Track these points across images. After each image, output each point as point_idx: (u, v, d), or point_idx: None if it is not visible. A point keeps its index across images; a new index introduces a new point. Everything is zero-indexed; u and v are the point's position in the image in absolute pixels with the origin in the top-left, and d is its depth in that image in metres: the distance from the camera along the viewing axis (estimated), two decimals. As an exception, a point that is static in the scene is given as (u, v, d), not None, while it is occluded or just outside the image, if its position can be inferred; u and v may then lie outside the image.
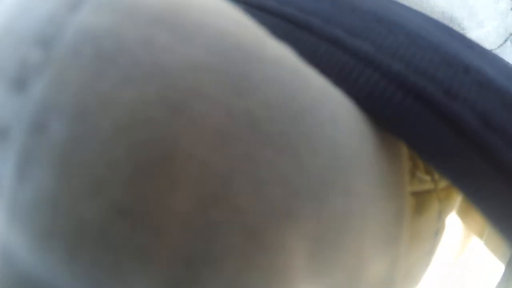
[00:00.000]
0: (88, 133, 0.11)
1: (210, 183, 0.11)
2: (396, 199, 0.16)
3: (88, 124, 0.11)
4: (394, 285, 0.17)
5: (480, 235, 0.25)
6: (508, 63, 0.21)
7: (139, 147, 0.11)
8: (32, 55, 0.12)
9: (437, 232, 0.22)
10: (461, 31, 0.36)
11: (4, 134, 0.11)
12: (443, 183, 0.23)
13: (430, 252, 0.22)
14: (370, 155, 0.15)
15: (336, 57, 0.16)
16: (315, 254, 0.13)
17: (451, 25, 0.36)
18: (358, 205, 0.14)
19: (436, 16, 0.36)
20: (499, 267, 0.24)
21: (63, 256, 0.11)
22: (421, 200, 0.20)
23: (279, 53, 0.14)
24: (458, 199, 0.23)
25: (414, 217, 0.19)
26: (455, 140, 0.16)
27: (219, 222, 0.12)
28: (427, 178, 0.22)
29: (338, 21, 0.18)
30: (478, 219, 0.25)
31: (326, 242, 0.13)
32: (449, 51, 0.17)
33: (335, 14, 0.18)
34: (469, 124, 0.16)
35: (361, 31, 0.18)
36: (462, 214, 0.25)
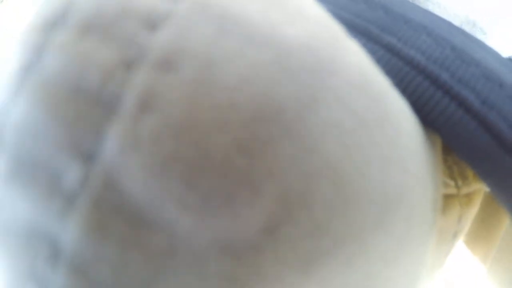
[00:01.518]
0: (214, 78, 0.13)
1: (309, 138, 0.13)
2: (435, 190, 0.18)
3: (215, 71, 0.13)
4: (419, 280, 0.18)
5: (484, 262, 0.27)
6: None
7: (259, 97, 0.13)
8: (161, 4, 0.13)
9: (455, 234, 0.23)
10: (483, 36, 0.38)
11: (130, 65, 0.13)
12: (465, 189, 0.24)
13: (447, 253, 0.23)
14: (423, 150, 0.17)
15: (392, 62, 0.18)
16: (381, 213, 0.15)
17: (473, 29, 0.37)
18: (412, 183, 0.16)
19: (459, 19, 0.37)
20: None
21: (180, 184, 0.12)
22: (445, 202, 0.23)
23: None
24: (476, 207, 0.24)
25: (438, 216, 0.20)
26: (490, 143, 0.19)
27: (314, 172, 0.13)
28: (451, 183, 0.23)
29: (393, 30, 0.20)
30: (484, 246, 0.27)
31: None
32: (487, 67, 0.20)
33: (390, 23, 0.20)
34: (503, 131, 0.19)
35: (414, 42, 0.20)
36: (469, 239, 0.27)
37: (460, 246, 0.26)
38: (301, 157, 0.13)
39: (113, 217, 0.12)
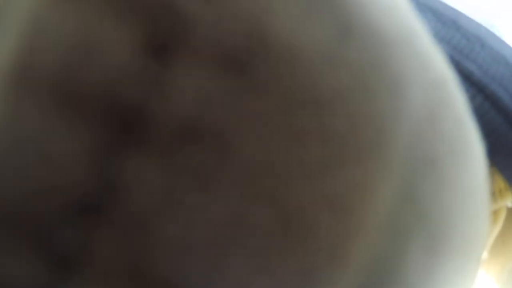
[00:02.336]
0: (297, 89, 0.09)
1: (407, 181, 0.11)
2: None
3: (300, 77, 0.09)
4: None
5: (498, 279, 0.26)
6: None
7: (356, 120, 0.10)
8: None
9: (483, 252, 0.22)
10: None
11: (161, 51, 0.09)
12: (492, 207, 0.23)
13: (476, 270, 0.23)
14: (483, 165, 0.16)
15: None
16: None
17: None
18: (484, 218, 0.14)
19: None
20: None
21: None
22: None
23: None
24: (500, 224, 0.24)
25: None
26: None
27: (408, 228, 0.11)
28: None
29: (445, 37, 0.19)
30: (501, 259, 0.26)
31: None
32: None
33: (441, 29, 0.19)
34: None
35: (468, 53, 0.19)
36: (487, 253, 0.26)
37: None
38: (398, 207, 0.11)
39: None
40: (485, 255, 0.24)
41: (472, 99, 0.18)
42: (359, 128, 0.10)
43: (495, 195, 0.23)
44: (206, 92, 0.08)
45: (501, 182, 0.23)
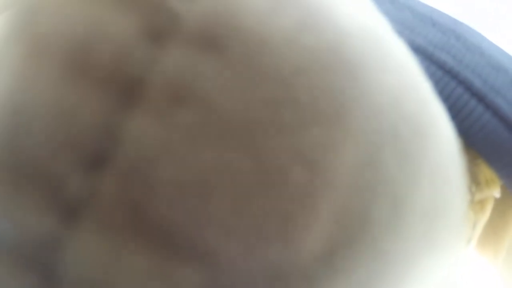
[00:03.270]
0: (268, 65, 0.11)
1: (368, 146, 0.12)
2: (465, 198, 0.18)
3: (269, 56, 0.11)
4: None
5: (494, 263, 0.27)
6: None
7: (317, 91, 0.11)
8: None
9: (469, 241, 0.23)
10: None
11: (157, 38, 0.11)
12: (478, 196, 0.24)
13: (461, 257, 0.24)
14: (459, 158, 0.17)
15: (424, 66, 0.18)
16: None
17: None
18: (453, 193, 0.15)
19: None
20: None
21: (225, 206, 0.11)
22: None
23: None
24: (488, 213, 0.24)
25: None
26: None
27: (372, 186, 0.12)
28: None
29: (422, 33, 0.20)
30: (493, 248, 0.27)
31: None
32: None
33: (418, 25, 0.21)
34: None
35: (443, 45, 0.20)
36: (478, 243, 0.27)
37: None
38: (360, 169, 0.12)
39: (133, 242, 0.11)
40: (473, 242, 0.24)
41: (445, 85, 0.19)
42: (319, 98, 0.11)
43: (480, 185, 0.24)
44: (193, 66, 0.10)
45: (487, 173, 0.23)
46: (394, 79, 0.13)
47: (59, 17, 0.11)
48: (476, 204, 0.24)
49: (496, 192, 0.25)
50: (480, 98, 0.19)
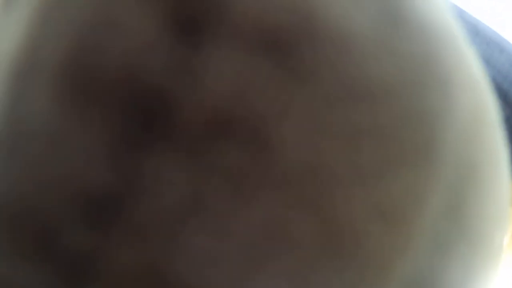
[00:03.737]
0: (346, 92, 0.08)
1: (451, 190, 0.09)
2: None
3: (351, 71, 0.08)
4: None
5: None
6: None
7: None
8: None
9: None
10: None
11: (189, 37, 0.07)
12: None
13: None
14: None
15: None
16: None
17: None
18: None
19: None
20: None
21: None
22: None
23: None
24: None
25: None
26: None
27: (450, 239, 0.10)
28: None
29: (492, 63, 0.18)
30: None
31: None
32: None
33: (491, 54, 0.19)
34: None
35: (488, 58, 0.18)
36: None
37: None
38: (441, 219, 0.09)
39: None
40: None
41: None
42: (411, 126, 0.08)
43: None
44: (244, 79, 0.07)
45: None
46: (474, 96, 0.10)
47: (64, 11, 0.07)
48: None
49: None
50: None
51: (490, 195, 0.11)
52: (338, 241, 0.08)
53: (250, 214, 0.07)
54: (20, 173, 0.08)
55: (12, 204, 0.08)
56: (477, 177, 0.10)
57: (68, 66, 0.07)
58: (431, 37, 0.09)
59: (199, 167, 0.07)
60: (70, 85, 0.07)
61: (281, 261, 0.08)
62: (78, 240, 0.08)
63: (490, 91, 0.12)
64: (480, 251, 0.11)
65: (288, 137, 0.07)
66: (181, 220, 0.07)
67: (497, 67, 0.19)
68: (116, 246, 0.08)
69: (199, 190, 0.07)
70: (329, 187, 0.08)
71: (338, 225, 0.08)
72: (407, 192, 0.08)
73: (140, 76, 0.07)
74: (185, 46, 0.07)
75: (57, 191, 0.07)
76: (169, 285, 0.08)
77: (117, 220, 0.08)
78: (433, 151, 0.09)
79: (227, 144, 0.07)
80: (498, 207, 0.12)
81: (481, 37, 0.20)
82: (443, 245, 0.09)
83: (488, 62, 0.18)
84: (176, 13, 0.07)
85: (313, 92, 0.07)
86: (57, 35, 0.07)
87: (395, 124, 0.08)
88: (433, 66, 0.09)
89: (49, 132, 0.07)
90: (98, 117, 0.07)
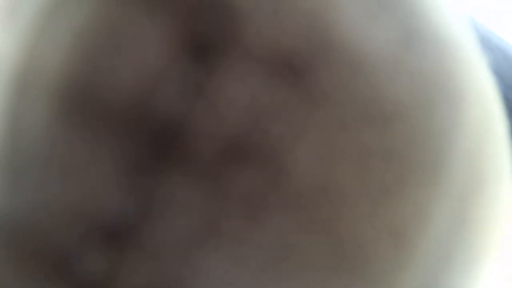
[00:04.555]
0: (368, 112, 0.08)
1: (458, 201, 0.09)
2: None
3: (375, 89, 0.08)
4: None
5: None
6: None
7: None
8: None
9: None
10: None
11: (201, 52, 0.07)
12: None
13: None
14: None
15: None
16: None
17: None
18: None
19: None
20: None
21: None
22: None
23: None
24: None
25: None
26: None
27: (454, 252, 0.10)
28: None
29: (496, 71, 0.18)
30: None
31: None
32: None
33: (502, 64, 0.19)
34: None
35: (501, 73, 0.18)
36: None
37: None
38: (447, 235, 0.09)
39: None
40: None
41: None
42: (420, 147, 0.09)
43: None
44: (258, 104, 0.07)
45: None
46: (483, 108, 0.10)
47: (66, 27, 0.07)
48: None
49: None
50: None
51: (493, 205, 0.11)
52: (348, 261, 0.08)
53: (263, 238, 0.07)
54: (28, 198, 0.07)
55: (24, 229, 0.07)
56: (482, 190, 0.10)
57: (73, 84, 0.07)
58: (445, 54, 0.09)
59: (213, 192, 0.07)
60: (77, 105, 0.07)
61: (293, 282, 0.08)
62: (93, 266, 0.07)
63: (498, 101, 0.12)
64: (479, 259, 0.11)
65: (301, 161, 0.07)
66: (195, 244, 0.07)
67: (501, 75, 0.19)
68: (131, 271, 0.07)
69: (213, 214, 0.07)
70: (339, 208, 0.08)
71: (349, 245, 0.08)
72: (415, 211, 0.08)
73: (153, 102, 0.07)
74: (199, 71, 0.07)
75: (71, 217, 0.07)
76: None
77: (131, 245, 0.07)
78: (441, 169, 0.09)
79: (241, 170, 0.07)
80: (498, 215, 0.12)
81: (485, 43, 0.20)
82: (447, 258, 0.09)
83: (494, 70, 0.18)
84: (189, 36, 0.07)
85: (327, 115, 0.07)
86: (60, 47, 0.07)
87: (405, 145, 0.08)
88: (445, 84, 0.09)
89: (57, 156, 0.07)
90: (111, 143, 0.07)
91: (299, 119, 0.07)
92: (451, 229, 0.10)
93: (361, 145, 0.08)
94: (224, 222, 0.07)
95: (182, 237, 0.07)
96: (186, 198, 0.07)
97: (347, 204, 0.08)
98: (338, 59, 0.07)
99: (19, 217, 0.07)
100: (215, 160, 0.07)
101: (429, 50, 0.09)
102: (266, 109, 0.07)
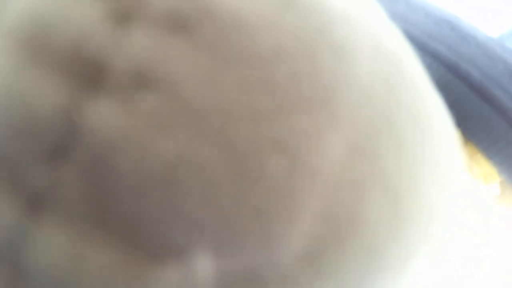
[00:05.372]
0: (241, 48, 0.10)
1: (359, 134, 0.11)
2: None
3: (243, 38, 0.10)
4: None
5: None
6: None
7: (298, 76, 0.10)
8: None
9: None
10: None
11: (121, 20, 0.10)
12: None
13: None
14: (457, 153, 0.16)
15: (419, 57, 0.17)
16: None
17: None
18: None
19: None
20: None
21: (194, 201, 0.10)
22: None
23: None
24: None
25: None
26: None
27: (366, 179, 0.11)
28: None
29: (415, 23, 0.19)
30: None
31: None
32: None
33: (411, 17, 0.20)
34: None
35: (437, 36, 0.20)
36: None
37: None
38: (350, 160, 0.11)
39: (97, 236, 0.10)
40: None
41: (441, 76, 0.19)
42: (301, 82, 0.10)
43: (479, 180, 0.23)
44: (159, 49, 0.10)
45: (486, 168, 0.23)
46: (387, 67, 0.12)
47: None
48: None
49: (495, 188, 0.25)
50: (478, 89, 0.19)
51: (416, 151, 0.12)
52: (239, 167, 0.10)
53: (166, 145, 0.10)
54: None
55: None
56: (394, 132, 0.11)
57: (23, 39, 0.10)
58: (325, 16, 0.11)
59: (127, 110, 0.10)
60: (27, 46, 0.10)
61: (192, 183, 0.10)
62: (37, 176, 0.10)
63: (414, 64, 0.13)
64: (404, 207, 0.12)
65: (194, 88, 0.10)
66: (114, 150, 0.10)
67: (446, 43, 0.20)
68: (65, 180, 0.10)
69: (130, 126, 0.10)
70: (227, 123, 0.10)
71: (238, 153, 0.10)
72: (300, 130, 0.10)
73: (85, 46, 0.10)
74: (118, 28, 0.10)
75: (20, 136, 0.10)
76: (108, 208, 0.10)
77: (66, 158, 0.10)
78: (326, 102, 0.10)
79: (147, 93, 0.10)
80: (432, 169, 0.12)
81: (430, 17, 0.21)
82: (357, 188, 0.11)
83: (436, 38, 0.20)
84: (114, 10, 0.10)
85: (212, 57, 0.10)
86: (12, 11, 0.10)
87: (286, 78, 0.10)
88: (324, 35, 0.11)
89: (4, 87, 0.10)
90: (50, 79, 0.10)
91: (190, 59, 0.10)
92: (359, 158, 0.11)
93: (242, 79, 0.10)
94: (133, 133, 0.10)
95: (104, 148, 0.10)
96: (107, 117, 0.10)
97: (233, 121, 0.10)
98: (219, 20, 0.10)
99: None
100: (127, 85, 0.10)
101: (308, 13, 0.11)
102: (164, 52, 0.10)
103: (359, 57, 0.11)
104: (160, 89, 0.10)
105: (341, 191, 0.11)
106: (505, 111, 0.19)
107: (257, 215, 0.10)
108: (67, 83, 0.10)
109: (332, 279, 0.11)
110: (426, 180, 0.12)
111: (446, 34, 0.19)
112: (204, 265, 0.10)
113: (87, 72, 0.10)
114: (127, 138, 0.09)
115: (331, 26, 0.11)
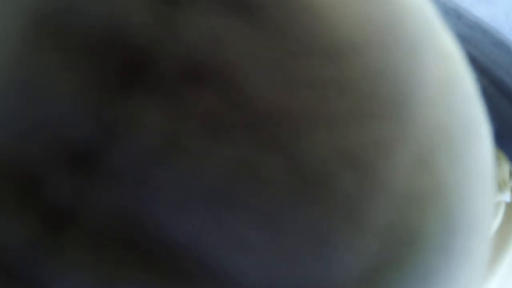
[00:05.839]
0: (311, 42, 0.09)
1: (423, 147, 0.10)
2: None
3: (319, 25, 0.09)
4: None
5: (498, 266, 0.26)
6: None
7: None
8: None
9: None
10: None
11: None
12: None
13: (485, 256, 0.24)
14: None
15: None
16: None
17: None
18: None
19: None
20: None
21: (246, 216, 0.09)
22: None
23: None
24: (499, 218, 0.24)
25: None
26: None
27: (425, 195, 0.10)
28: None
29: (448, 27, 0.19)
30: (497, 252, 0.26)
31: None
32: None
33: (445, 20, 0.20)
34: None
35: (470, 40, 0.19)
36: None
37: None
38: (415, 173, 0.10)
39: (130, 261, 0.08)
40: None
41: (477, 82, 0.18)
42: (376, 82, 0.09)
43: (499, 186, 0.23)
44: (217, 32, 0.08)
45: (505, 173, 0.23)
46: (447, 72, 0.11)
47: None
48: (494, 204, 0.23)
49: (507, 196, 0.24)
50: (511, 97, 0.18)
51: (466, 161, 0.11)
52: (305, 180, 0.08)
53: (223, 154, 0.08)
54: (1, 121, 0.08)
55: None
56: (450, 142, 0.11)
57: (46, 7, 0.08)
58: (397, 6, 0.10)
59: (175, 111, 0.08)
60: (48, 29, 0.08)
61: (252, 198, 0.08)
62: (59, 187, 0.08)
63: (464, 65, 0.12)
64: (459, 216, 0.11)
65: (257, 85, 0.08)
66: (157, 160, 0.08)
67: (479, 47, 0.20)
68: (98, 194, 0.08)
69: (174, 132, 0.08)
70: (295, 130, 0.08)
71: (305, 165, 0.08)
72: (373, 140, 0.09)
73: (124, 27, 0.08)
74: (166, 7, 0.08)
75: (38, 139, 0.08)
76: (144, 228, 0.08)
77: (98, 166, 0.08)
78: (399, 107, 0.09)
79: (202, 91, 0.08)
80: (477, 178, 0.12)
81: (463, 21, 0.21)
82: (419, 206, 0.10)
83: (470, 42, 0.19)
84: None
85: (279, 45, 0.08)
86: None
87: (358, 78, 0.09)
88: (397, 30, 0.10)
89: (23, 77, 0.08)
90: (80, 66, 0.08)
91: (254, 49, 0.08)
92: (420, 168, 0.10)
93: (314, 74, 0.08)
94: (184, 139, 0.08)
95: (145, 156, 0.08)
96: (149, 118, 0.08)
97: (302, 125, 0.08)
98: (290, 2, 0.08)
99: None
100: (176, 80, 0.08)
101: (382, 5, 0.10)
102: (223, 38, 0.08)
103: (426, 57, 0.10)
104: (215, 85, 0.08)
105: (405, 209, 0.10)
106: None
107: (316, 235, 0.09)
108: (99, 74, 0.08)
109: None
110: (475, 196, 0.12)
111: (478, 39, 0.19)
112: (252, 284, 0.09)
113: (124, 60, 0.08)
114: (171, 146, 0.08)
115: (403, 20, 0.10)
